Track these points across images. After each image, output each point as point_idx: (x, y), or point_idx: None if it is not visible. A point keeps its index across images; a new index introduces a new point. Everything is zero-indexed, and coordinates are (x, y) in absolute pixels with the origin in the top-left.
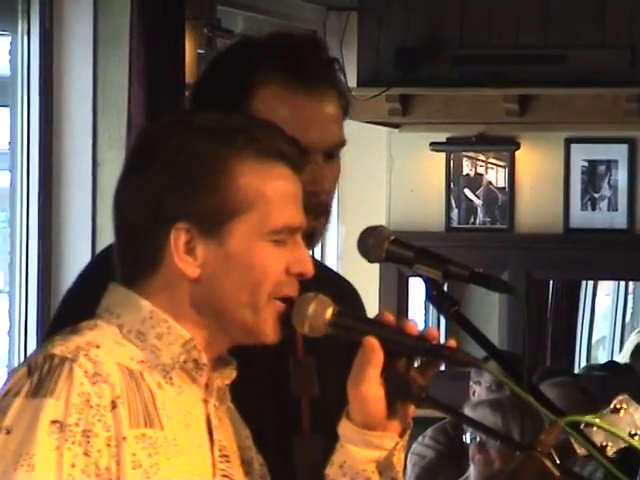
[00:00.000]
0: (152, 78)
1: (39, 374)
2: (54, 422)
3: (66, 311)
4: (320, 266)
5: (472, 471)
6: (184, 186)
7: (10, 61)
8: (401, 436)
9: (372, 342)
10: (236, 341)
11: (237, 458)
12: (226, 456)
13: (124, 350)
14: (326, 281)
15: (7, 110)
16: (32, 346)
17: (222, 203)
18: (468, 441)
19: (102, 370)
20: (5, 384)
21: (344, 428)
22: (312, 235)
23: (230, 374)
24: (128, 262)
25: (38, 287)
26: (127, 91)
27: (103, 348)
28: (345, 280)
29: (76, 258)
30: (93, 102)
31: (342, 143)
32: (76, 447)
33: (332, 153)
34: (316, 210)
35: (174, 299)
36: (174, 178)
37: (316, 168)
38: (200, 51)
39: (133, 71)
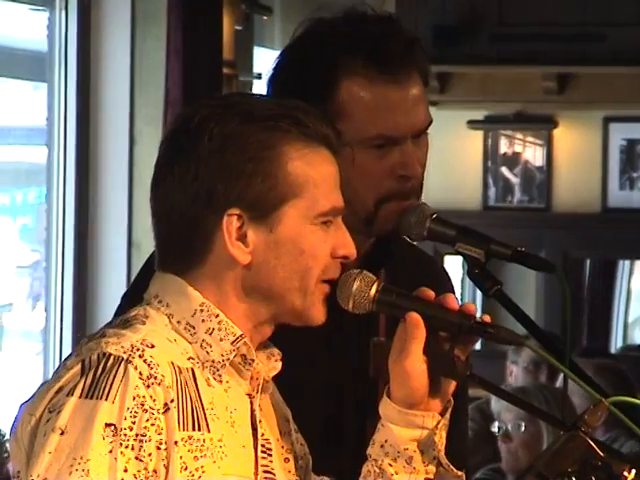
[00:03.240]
0: (189, 54)
1: (93, 373)
2: (108, 425)
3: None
4: (415, 250)
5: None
6: (235, 173)
7: (48, 37)
8: (442, 415)
9: (415, 317)
10: (282, 322)
11: (278, 447)
12: (269, 449)
13: (176, 347)
14: (419, 263)
15: (44, 86)
16: (68, 323)
17: (273, 189)
18: (495, 429)
19: (157, 372)
20: (56, 375)
21: (385, 408)
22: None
23: (275, 366)
24: (174, 251)
25: (74, 263)
26: (164, 67)
27: (157, 348)
28: (437, 263)
29: (112, 234)
30: (130, 78)
31: (429, 122)
32: (129, 451)
33: (420, 133)
34: (406, 194)
35: (221, 288)
36: (224, 165)
37: (406, 153)
38: (238, 27)
39: (171, 47)
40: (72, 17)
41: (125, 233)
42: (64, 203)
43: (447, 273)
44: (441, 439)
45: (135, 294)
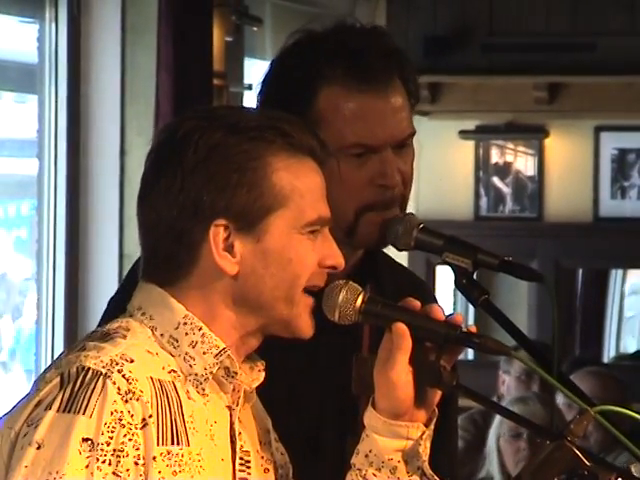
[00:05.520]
0: (180, 66)
1: (72, 388)
2: (85, 440)
3: (113, 307)
4: (395, 263)
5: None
6: (220, 184)
7: (38, 48)
8: (427, 425)
9: (401, 327)
10: (271, 333)
11: (258, 458)
12: (247, 462)
13: (157, 360)
14: (402, 279)
15: (35, 98)
16: (59, 335)
17: (259, 199)
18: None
19: (135, 387)
20: (35, 388)
21: (370, 418)
22: (385, 227)
23: (258, 376)
24: (159, 262)
25: (65, 275)
26: (155, 79)
27: (137, 362)
28: (418, 277)
29: (104, 246)
30: (121, 90)
31: (411, 133)
32: (106, 466)
33: (402, 144)
34: (386, 204)
35: (209, 299)
36: (209, 177)
37: (385, 162)
38: (228, 39)
39: (161, 59)
40: (62, 29)
41: (116, 245)
42: (55, 215)
43: (431, 289)
44: (425, 449)
45: (121, 302)
